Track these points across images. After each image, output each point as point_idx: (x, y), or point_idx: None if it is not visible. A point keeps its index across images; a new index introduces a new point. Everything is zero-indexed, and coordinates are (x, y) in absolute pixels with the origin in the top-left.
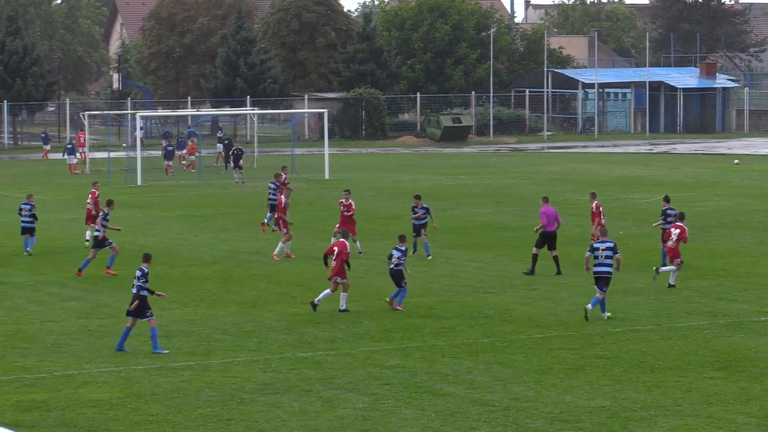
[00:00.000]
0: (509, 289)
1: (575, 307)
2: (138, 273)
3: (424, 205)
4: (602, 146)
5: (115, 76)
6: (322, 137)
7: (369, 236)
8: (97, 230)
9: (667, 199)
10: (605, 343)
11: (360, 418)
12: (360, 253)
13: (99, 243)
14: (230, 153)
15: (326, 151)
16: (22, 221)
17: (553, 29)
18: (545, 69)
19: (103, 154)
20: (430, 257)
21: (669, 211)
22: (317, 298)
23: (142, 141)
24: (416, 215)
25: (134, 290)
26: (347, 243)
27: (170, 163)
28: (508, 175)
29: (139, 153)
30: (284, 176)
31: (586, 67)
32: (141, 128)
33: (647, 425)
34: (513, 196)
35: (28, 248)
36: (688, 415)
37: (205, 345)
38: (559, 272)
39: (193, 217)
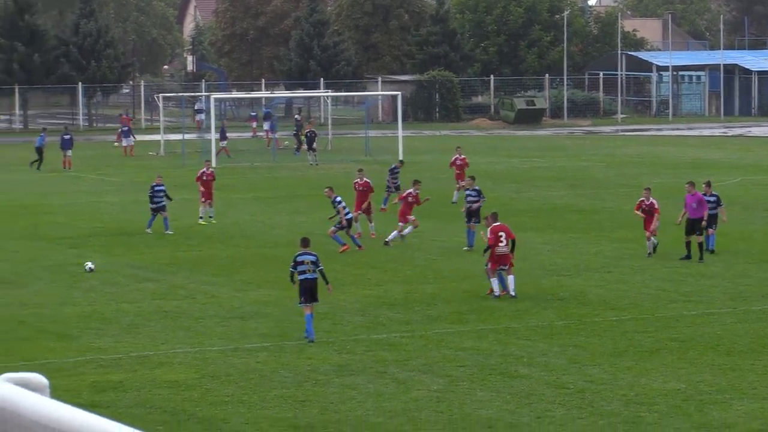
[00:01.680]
0: (584, 271)
1: (650, 290)
2: (312, 258)
3: (477, 188)
4: (677, 129)
5: (190, 58)
6: (396, 120)
7: (443, 218)
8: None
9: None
10: (680, 326)
11: (435, 399)
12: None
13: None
14: (303, 135)
15: (400, 133)
16: (154, 200)
17: (627, 12)
18: (619, 52)
19: (178, 137)
20: (468, 249)
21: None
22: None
23: (199, 123)
24: (470, 200)
25: (308, 275)
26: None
27: (225, 143)
28: (582, 157)
29: (213, 135)
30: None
31: (660, 50)
32: (201, 111)
33: (722, 408)
34: (587, 179)
35: (167, 230)
36: (764, 398)
37: (280, 326)
38: (701, 259)
39: (268, 199)
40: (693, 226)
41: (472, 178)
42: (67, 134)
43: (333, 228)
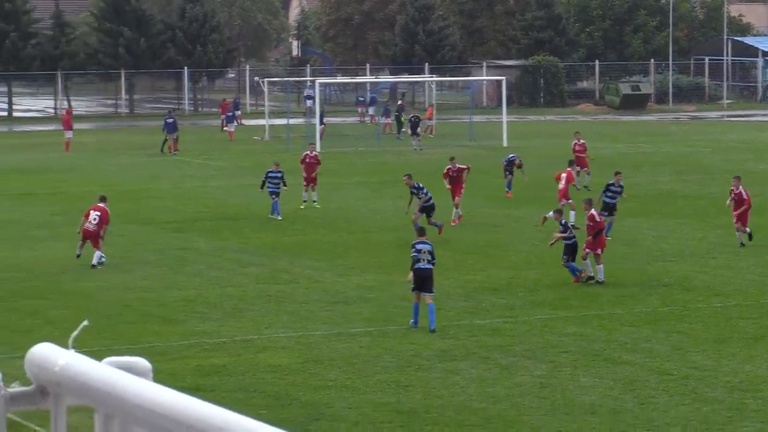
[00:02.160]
0: (689, 257)
1: (755, 276)
2: (429, 248)
3: (621, 184)
4: None
5: (295, 43)
6: (500, 105)
7: (546, 203)
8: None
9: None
10: None
11: (538, 385)
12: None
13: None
14: (405, 120)
15: (504, 118)
16: (269, 187)
17: None
18: (725, 37)
19: (283, 121)
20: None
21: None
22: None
23: (310, 109)
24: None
25: (423, 265)
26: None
27: (323, 126)
28: (687, 143)
29: (318, 120)
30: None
31: (766, 36)
32: (311, 97)
33: None
34: (693, 165)
35: (275, 215)
36: None
37: (383, 311)
38: None
39: (372, 183)
40: None
41: (619, 173)
42: (170, 117)
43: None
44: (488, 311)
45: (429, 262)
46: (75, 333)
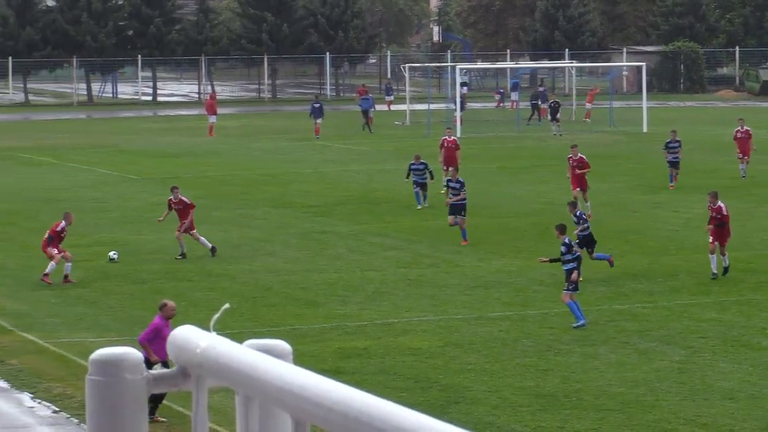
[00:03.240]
0: None
1: None
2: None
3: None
4: None
5: (436, 29)
6: (640, 90)
7: (685, 189)
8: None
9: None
10: None
11: (676, 370)
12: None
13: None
14: (540, 105)
15: (644, 104)
16: (414, 177)
17: None
18: None
19: (423, 106)
20: None
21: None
22: None
23: (463, 97)
24: None
25: (571, 265)
26: None
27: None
28: None
29: (458, 105)
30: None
31: None
32: (465, 83)
33: None
34: None
35: (423, 203)
36: None
37: (522, 295)
38: None
39: (511, 168)
40: None
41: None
42: (317, 102)
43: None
44: (627, 296)
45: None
46: (217, 315)
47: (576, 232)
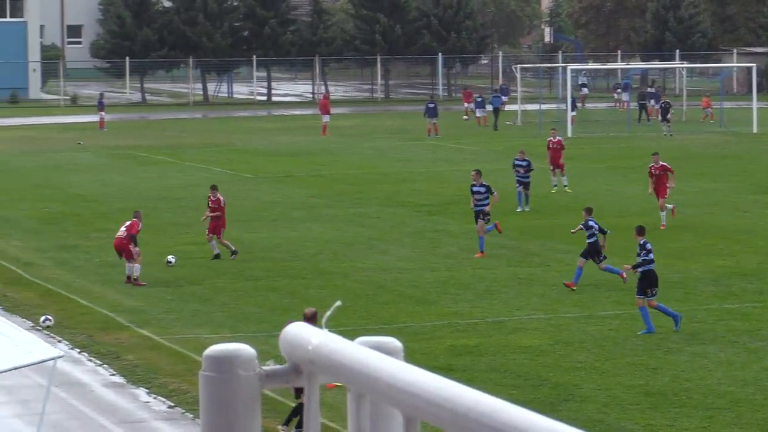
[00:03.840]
0: None
1: None
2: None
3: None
4: None
5: (547, 29)
6: (750, 91)
7: None
8: None
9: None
10: None
11: None
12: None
13: None
14: (649, 105)
15: (754, 105)
16: (516, 175)
17: None
18: None
19: (534, 107)
20: None
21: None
22: None
23: (582, 98)
24: None
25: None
26: None
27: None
28: None
29: (569, 106)
30: None
31: None
32: (585, 84)
33: None
34: None
35: (523, 207)
36: None
37: (631, 295)
38: None
39: (623, 168)
40: None
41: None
42: (431, 102)
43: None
44: (737, 296)
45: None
46: (329, 313)
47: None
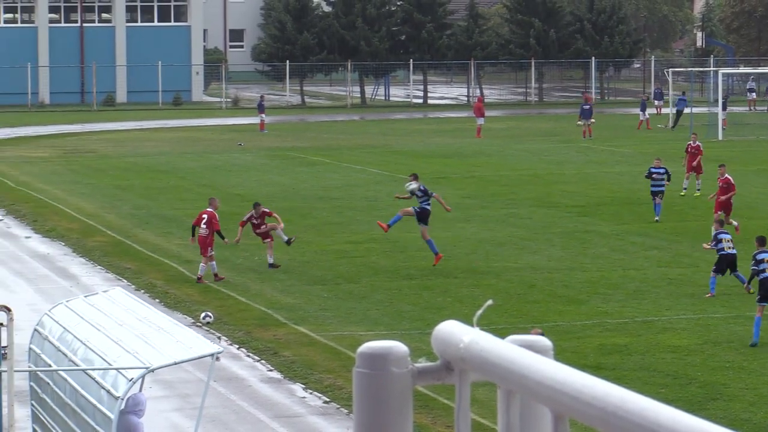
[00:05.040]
0: None
1: None
2: (761, 257)
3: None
4: None
5: (699, 34)
6: None
7: None
8: None
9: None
10: None
11: None
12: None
13: None
14: None
15: None
16: (653, 185)
17: None
18: None
19: (686, 110)
20: None
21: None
22: None
23: (750, 102)
24: None
25: (765, 275)
26: None
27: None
28: None
29: (720, 109)
30: None
31: None
32: (752, 89)
33: None
34: None
35: (658, 216)
36: None
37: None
38: None
39: None
40: None
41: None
42: (587, 104)
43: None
44: None
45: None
46: (480, 311)
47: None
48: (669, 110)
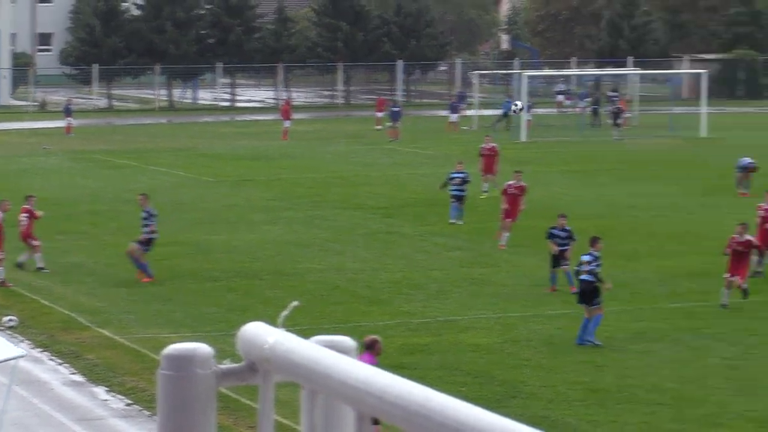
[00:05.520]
0: None
1: None
2: (587, 258)
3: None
4: None
5: (504, 37)
6: (700, 97)
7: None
8: None
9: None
10: None
11: (727, 366)
12: None
13: None
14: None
15: (703, 110)
16: (452, 189)
17: None
18: None
19: (491, 112)
20: None
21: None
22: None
23: (558, 104)
24: None
25: (583, 276)
26: None
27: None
28: None
29: (525, 111)
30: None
31: None
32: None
33: None
34: None
35: (456, 220)
36: None
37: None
38: None
39: (574, 172)
40: None
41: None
42: (396, 107)
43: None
44: (682, 296)
45: (587, 273)
46: (285, 312)
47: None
48: (474, 112)
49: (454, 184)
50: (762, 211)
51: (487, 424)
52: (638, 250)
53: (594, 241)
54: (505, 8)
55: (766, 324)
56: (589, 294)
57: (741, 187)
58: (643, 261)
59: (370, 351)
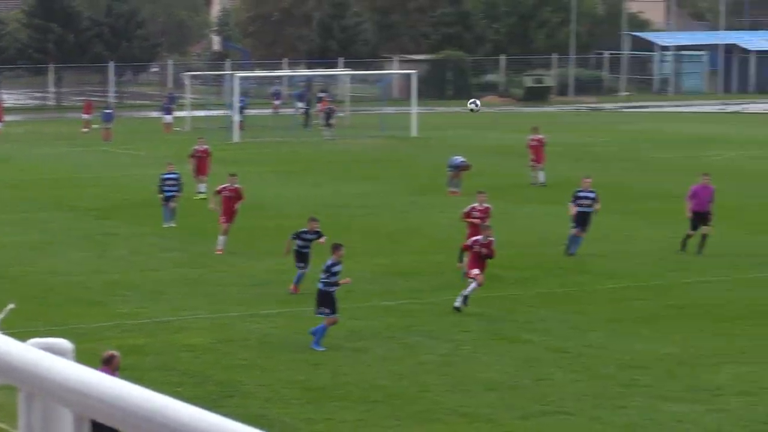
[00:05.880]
0: (585, 242)
1: (646, 259)
2: (324, 267)
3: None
4: (677, 106)
5: (216, 38)
6: (410, 97)
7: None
8: None
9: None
10: (676, 294)
11: (441, 363)
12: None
13: None
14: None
15: (413, 110)
16: (166, 191)
17: None
18: (624, 32)
19: (203, 113)
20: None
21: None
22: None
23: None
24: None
25: (318, 285)
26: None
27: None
28: (586, 133)
29: (236, 111)
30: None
31: (663, 31)
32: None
33: (713, 372)
34: (589, 154)
35: (170, 222)
36: (753, 362)
37: (296, 294)
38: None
39: (286, 172)
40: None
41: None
42: (108, 108)
43: None
44: (395, 294)
45: (323, 281)
46: (1, 316)
47: None
48: (187, 113)
49: (166, 186)
50: (477, 213)
51: (206, 423)
52: (352, 249)
53: (336, 247)
54: (216, 9)
55: (478, 321)
56: (327, 302)
57: (452, 186)
58: (357, 259)
59: (108, 366)
